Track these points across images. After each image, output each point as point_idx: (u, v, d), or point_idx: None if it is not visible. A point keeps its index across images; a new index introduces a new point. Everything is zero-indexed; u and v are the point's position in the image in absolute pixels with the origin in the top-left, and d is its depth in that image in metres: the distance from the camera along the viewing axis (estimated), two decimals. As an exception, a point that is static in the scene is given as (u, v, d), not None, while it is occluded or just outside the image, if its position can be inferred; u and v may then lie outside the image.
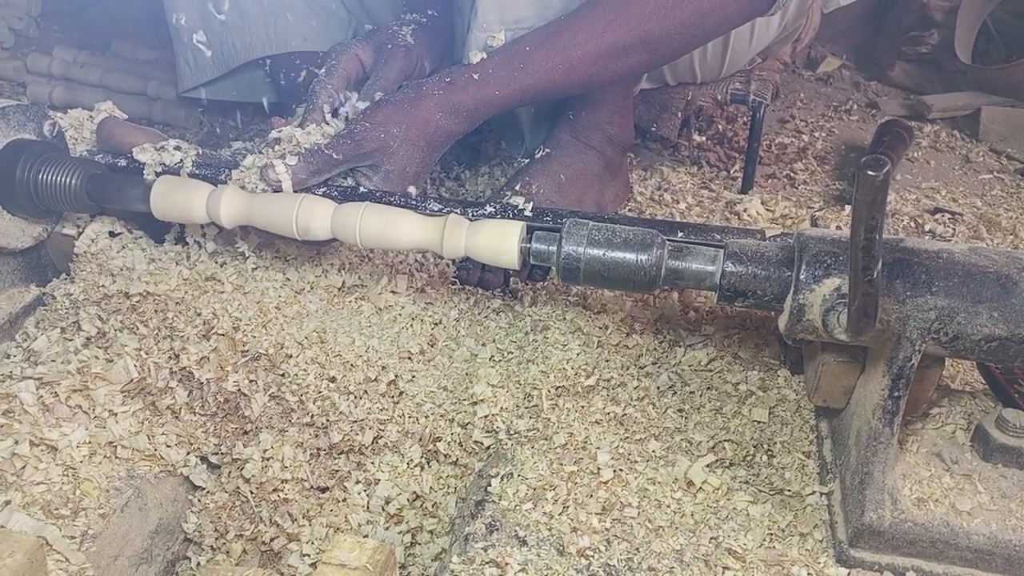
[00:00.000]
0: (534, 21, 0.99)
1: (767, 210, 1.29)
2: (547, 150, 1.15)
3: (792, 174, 1.49)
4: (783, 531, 0.75)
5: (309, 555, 0.84)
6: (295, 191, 0.88)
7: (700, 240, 0.83)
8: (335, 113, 0.97)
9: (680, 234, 0.85)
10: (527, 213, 0.88)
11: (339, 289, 0.98)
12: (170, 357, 0.89)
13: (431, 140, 0.95)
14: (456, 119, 0.95)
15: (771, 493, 0.79)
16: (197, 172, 0.91)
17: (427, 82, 0.95)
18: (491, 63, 0.95)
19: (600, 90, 1.13)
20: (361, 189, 0.92)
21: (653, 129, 1.41)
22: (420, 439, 0.88)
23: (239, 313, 0.90)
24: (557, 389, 0.87)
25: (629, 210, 1.27)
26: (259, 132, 1.45)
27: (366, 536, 0.83)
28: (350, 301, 0.97)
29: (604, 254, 0.77)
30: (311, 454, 0.89)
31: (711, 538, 0.74)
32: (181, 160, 0.92)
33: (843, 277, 0.68)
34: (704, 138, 1.52)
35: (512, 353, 0.93)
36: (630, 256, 0.76)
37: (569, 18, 0.95)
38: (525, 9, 0.99)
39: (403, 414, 0.89)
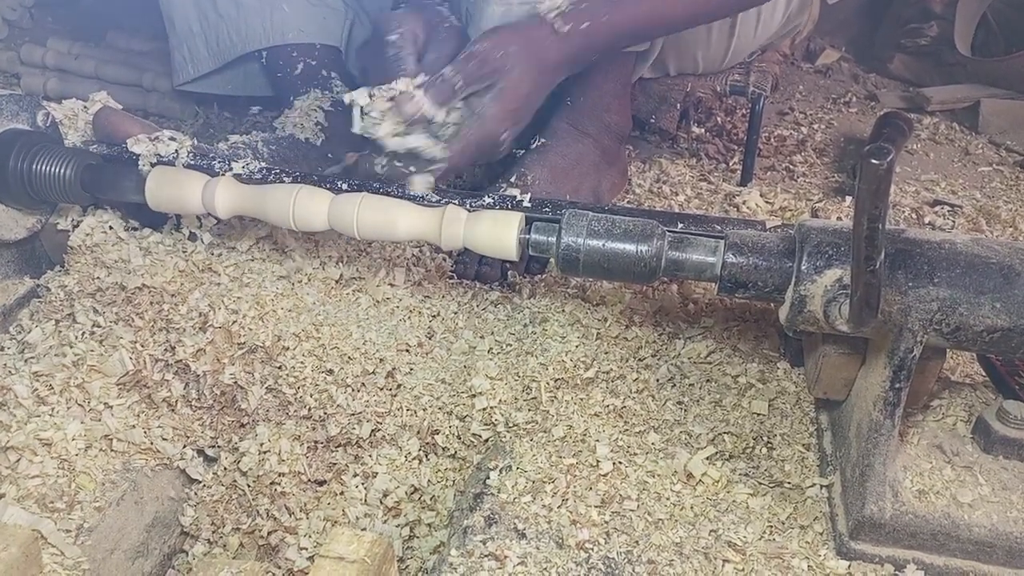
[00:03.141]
0: None
1: (766, 202, 1.29)
2: (543, 140, 1.15)
3: (791, 166, 1.48)
4: (783, 523, 0.75)
5: (307, 548, 0.84)
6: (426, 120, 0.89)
7: (700, 231, 0.83)
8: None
9: (680, 225, 0.85)
10: (526, 204, 0.87)
11: (336, 281, 0.97)
12: (166, 350, 0.89)
13: (542, 64, 0.95)
14: (565, 48, 0.95)
15: (771, 485, 0.78)
16: (192, 163, 0.91)
17: (534, 14, 0.95)
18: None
19: (598, 76, 1.12)
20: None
21: (652, 121, 1.40)
22: (418, 432, 0.88)
23: (236, 305, 0.89)
24: (556, 381, 0.87)
25: (628, 202, 1.27)
26: (255, 124, 1.44)
27: (364, 529, 0.83)
28: (348, 293, 0.97)
29: (604, 245, 0.76)
30: (308, 447, 0.88)
31: (711, 531, 0.73)
32: (176, 151, 0.91)
33: (845, 268, 0.67)
34: (703, 130, 1.51)
35: (511, 345, 0.93)
36: (630, 247, 0.76)
37: None
38: None
39: (401, 407, 0.88)
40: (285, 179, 0.90)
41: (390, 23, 1.00)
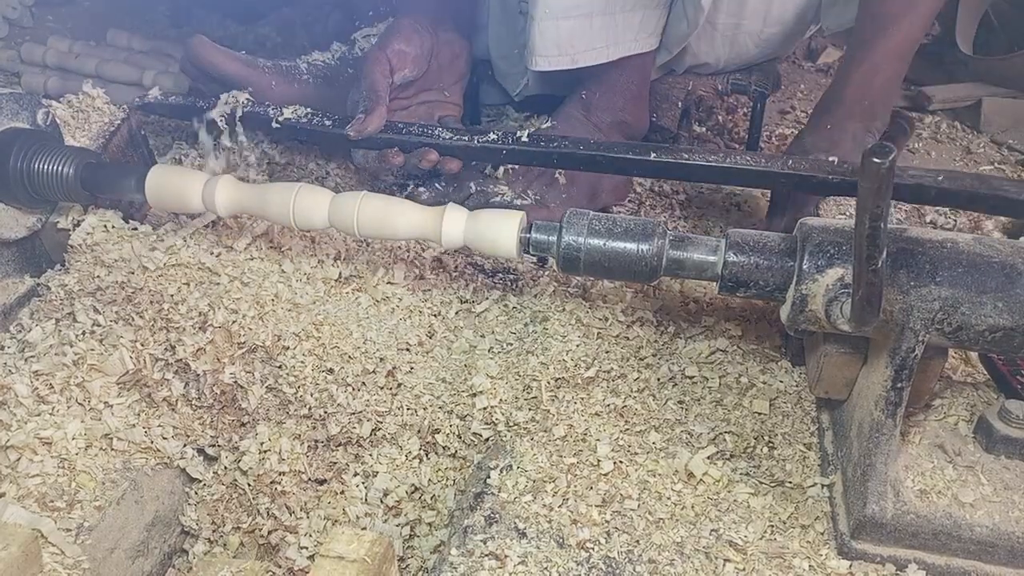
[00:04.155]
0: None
1: (767, 201, 1.28)
2: (553, 122, 1.13)
3: (792, 165, 1.48)
4: (784, 523, 0.75)
5: (307, 548, 0.84)
6: None
7: (671, 159, 0.94)
8: None
9: (652, 156, 0.95)
10: (524, 139, 0.97)
11: (336, 280, 0.97)
12: (166, 349, 0.88)
13: None
14: None
15: (772, 485, 0.78)
16: (250, 111, 1.03)
17: None
18: None
19: (614, 72, 1.11)
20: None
21: (653, 119, 1.40)
22: (418, 431, 0.88)
23: (235, 305, 0.89)
24: (557, 381, 0.87)
25: (629, 201, 1.26)
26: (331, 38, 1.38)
27: (364, 528, 0.83)
28: (347, 292, 0.97)
29: (604, 244, 0.76)
30: (309, 446, 0.88)
31: (712, 530, 0.73)
32: (232, 110, 1.03)
33: (847, 267, 0.67)
34: (704, 129, 1.50)
35: (511, 344, 0.93)
36: (631, 246, 0.75)
37: None
38: None
39: (401, 406, 0.88)
40: (327, 122, 1.02)
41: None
